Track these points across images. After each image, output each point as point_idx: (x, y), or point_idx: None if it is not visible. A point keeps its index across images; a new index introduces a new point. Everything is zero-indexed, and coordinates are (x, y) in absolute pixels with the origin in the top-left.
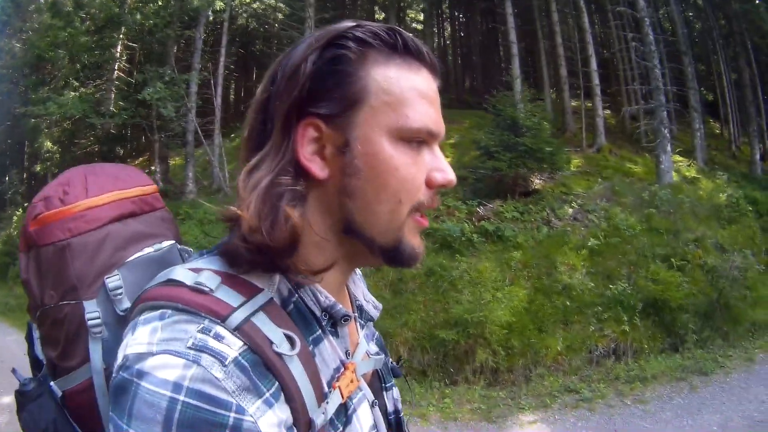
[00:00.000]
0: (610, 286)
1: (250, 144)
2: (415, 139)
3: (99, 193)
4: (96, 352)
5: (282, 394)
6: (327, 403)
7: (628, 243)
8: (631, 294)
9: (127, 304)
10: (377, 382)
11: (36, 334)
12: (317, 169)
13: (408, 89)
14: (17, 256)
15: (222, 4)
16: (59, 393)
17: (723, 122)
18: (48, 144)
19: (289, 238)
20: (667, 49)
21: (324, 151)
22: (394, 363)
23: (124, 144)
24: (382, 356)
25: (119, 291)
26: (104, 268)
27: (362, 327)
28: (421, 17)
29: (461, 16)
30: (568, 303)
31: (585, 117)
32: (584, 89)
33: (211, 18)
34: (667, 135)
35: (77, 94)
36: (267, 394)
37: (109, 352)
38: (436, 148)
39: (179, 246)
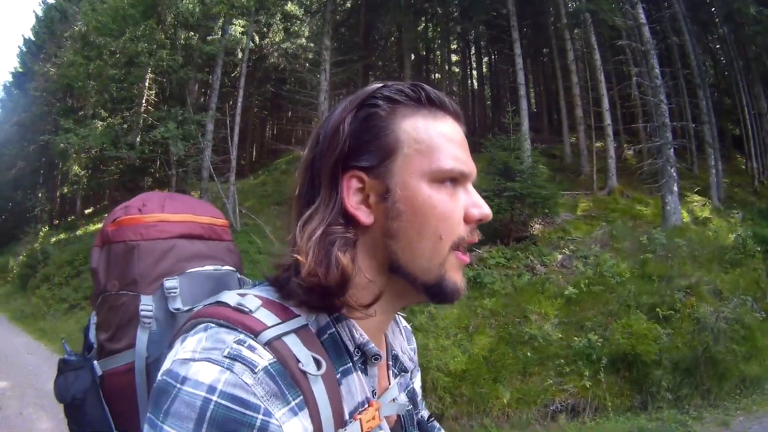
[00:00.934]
0: (575, 338)
1: (302, 200)
2: (448, 179)
3: (174, 212)
4: (142, 340)
5: (306, 407)
6: (345, 430)
7: (612, 291)
8: (600, 347)
9: (179, 304)
10: (399, 429)
11: (93, 320)
12: (363, 216)
13: (436, 135)
14: (38, 268)
15: (242, 43)
16: (99, 372)
17: (747, 157)
18: (76, 168)
19: (340, 279)
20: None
21: (368, 200)
22: (424, 416)
23: (145, 176)
24: (409, 405)
25: (174, 290)
26: (165, 272)
27: (395, 376)
28: (453, 58)
29: (494, 54)
30: (529, 354)
31: (596, 158)
32: (595, 130)
33: (240, 55)
34: (674, 174)
35: (100, 126)
36: (293, 403)
37: (154, 344)
38: (470, 186)
39: (239, 275)
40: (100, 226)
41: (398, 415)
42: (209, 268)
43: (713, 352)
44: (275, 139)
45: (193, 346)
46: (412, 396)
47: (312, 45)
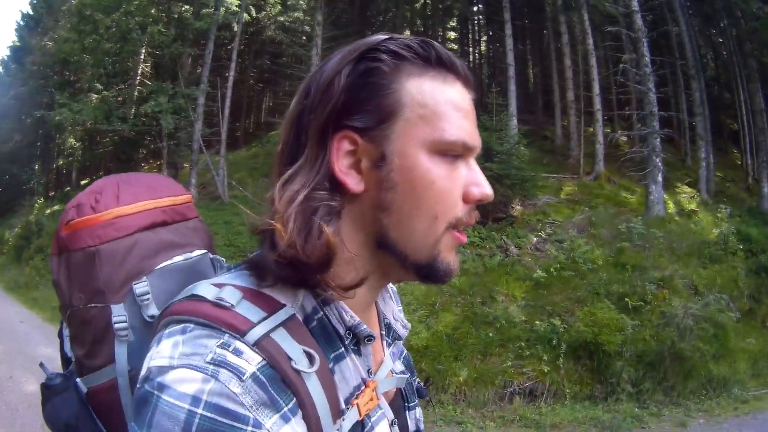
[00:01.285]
0: (537, 321)
1: (284, 158)
2: (451, 153)
3: (130, 201)
4: (121, 354)
5: (300, 409)
6: (343, 420)
7: (582, 277)
8: (563, 332)
9: (154, 310)
10: (400, 400)
11: (66, 332)
12: (353, 182)
13: (443, 102)
14: (32, 240)
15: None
16: (84, 389)
17: (742, 153)
18: (72, 141)
19: (323, 254)
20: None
21: (359, 165)
22: (421, 383)
23: (139, 148)
24: (406, 375)
25: (146, 297)
26: (132, 275)
27: (389, 345)
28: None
29: (490, 33)
30: (491, 334)
31: (586, 143)
32: (585, 114)
33: (235, 28)
34: (659, 164)
35: (95, 99)
36: (285, 409)
37: (135, 355)
38: (473, 162)
39: (211, 255)
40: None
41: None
42: (178, 259)
43: (680, 348)
44: (271, 113)
45: (170, 351)
46: (407, 363)
47: (309, 18)
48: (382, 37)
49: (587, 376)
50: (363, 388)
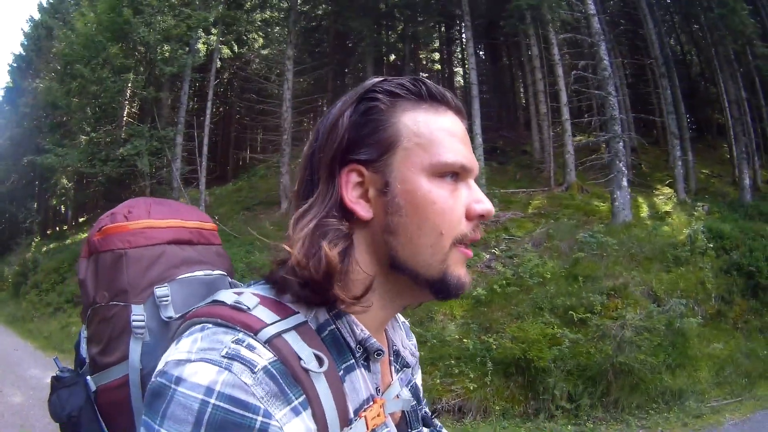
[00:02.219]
0: (464, 339)
1: (300, 195)
2: (449, 174)
3: (161, 218)
4: (135, 351)
5: (310, 406)
6: (350, 429)
7: (528, 293)
8: (494, 350)
9: (171, 312)
10: (404, 425)
11: (84, 334)
12: (362, 210)
13: (436, 130)
14: (29, 276)
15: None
16: (93, 388)
17: (729, 147)
18: (64, 181)
19: (326, 271)
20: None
21: (368, 194)
22: (428, 413)
23: (124, 188)
24: (413, 401)
25: (166, 298)
26: (156, 280)
27: (397, 372)
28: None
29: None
30: (422, 353)
31: (554, 154)
32: (554, 125)
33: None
34: (623, 169)
35: (84, 141)
36: (295, 402)
37: (148, 355)
38: (472, 182)
39: (230, 279)
40: (86, 235)
41: (403, 412)
42: (200, 273)
43: (622, 361)
44: (262, 147)
45: (189, 347)
46: (414, 391)
47: (280, 52)
48: (377, 79)
49: (518, 392)
50: (371, 403)
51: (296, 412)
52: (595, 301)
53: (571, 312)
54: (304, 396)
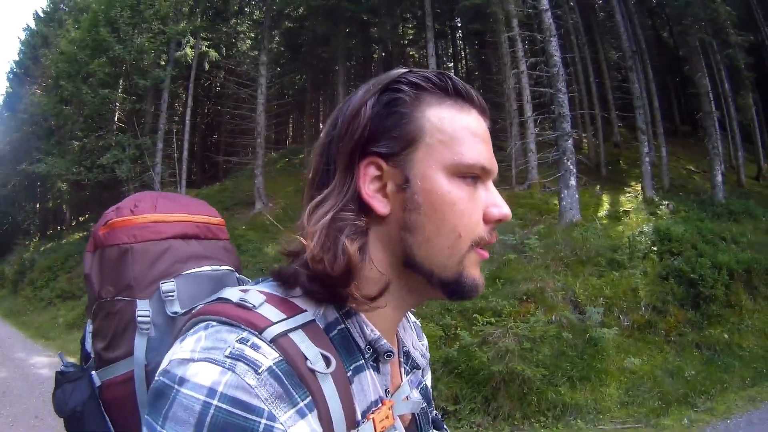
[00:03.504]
0: None
1: (315, 184)
2: (470, 175)
3: (167, 212)
4: (141, 347)
5: (316, 408)
6: (358, 431)
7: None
8: None
9: (176, 307)
10: (414, 428)
11: (89, 328)
12: (379, 205)
13: (460, 128)
14: (26, 274)
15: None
16: (98, 383)
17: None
18: (60, 185)
19: (345, 268)
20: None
21: (386, 189)
22: (438, 415)
23: (112, 190)
24: (423, 402)
25: (172, 294)
26: (161, 275)
27: (407, 373)
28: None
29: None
30: None
31: (516, 153)
32: (521, 124)
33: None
34: (571, 167)
35: (75, 148)
36: (301, 404)
37: (153, 351)
38: (491, 185)
39: (237, 275)
40: (81, 234)
41: (413, 414)
42: (207, 268)
43: (510, 369)
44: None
45: (192, 346)
46: (425, 393)
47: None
48: (402, 70)
49: None
50: (380, 405)
51: (302, 414)
52: (504, 305)
53: (476, 315)
54: (310, 397)
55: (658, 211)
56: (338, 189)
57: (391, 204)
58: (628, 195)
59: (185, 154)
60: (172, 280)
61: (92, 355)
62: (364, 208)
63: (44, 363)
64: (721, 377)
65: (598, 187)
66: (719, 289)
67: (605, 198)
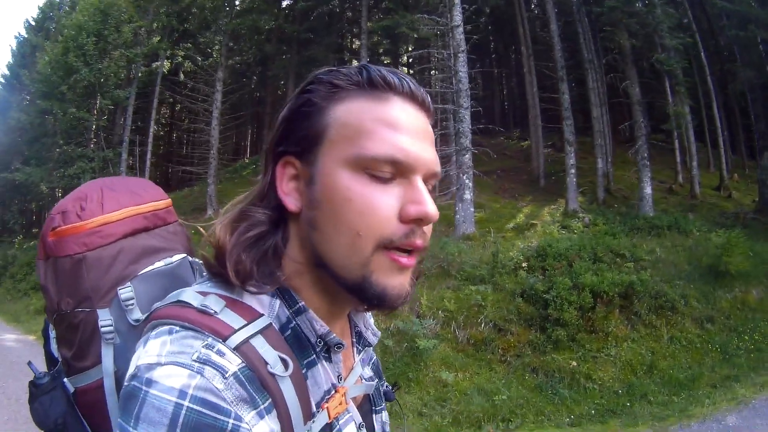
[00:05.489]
0: None
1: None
2: (379, 170)
3: (114, 208)
4: (108, 356)
5: (274, 409)
6: (313, 422)
7: None
8: None
9: (138, 314)
10: (367, 404)
11: (52, 333)
12: (290, 202)
13: (369, 120)
14: (8, 269)
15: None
16: (71, 389)
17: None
18: (42, 187)
19: (217, 252)
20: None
21: (300, 187)
22: (388, 387)
23: None
24: (375, 382)
25: (131, 302)
26: (117, 280)
27: (359, 352)
28: None
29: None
30: None
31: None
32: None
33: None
34: (467, 182)
35: (57, 154)
36: (261, 407)
37: (120, 357)
38: (416, 180)
39: (190, 259)
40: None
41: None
42: (160, 264)
43: None
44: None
45: (158, 350)
46: (376, 369)
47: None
48: (323, 70)
49: None
50: (333, 392)
51: (261, 415)
52: None
53: None
54: (270, 400)
55: (572, 224)
56: (260, 187)
57: (302, 201)
58: (552, 207)
59: (148, 164)
60: (129, 285)
61: (59, 359)
62: (281, 206)
63: (12, 339)
64: (541, 407)
65: (530, 198)
66: (569, 312)
67: (526, 210)
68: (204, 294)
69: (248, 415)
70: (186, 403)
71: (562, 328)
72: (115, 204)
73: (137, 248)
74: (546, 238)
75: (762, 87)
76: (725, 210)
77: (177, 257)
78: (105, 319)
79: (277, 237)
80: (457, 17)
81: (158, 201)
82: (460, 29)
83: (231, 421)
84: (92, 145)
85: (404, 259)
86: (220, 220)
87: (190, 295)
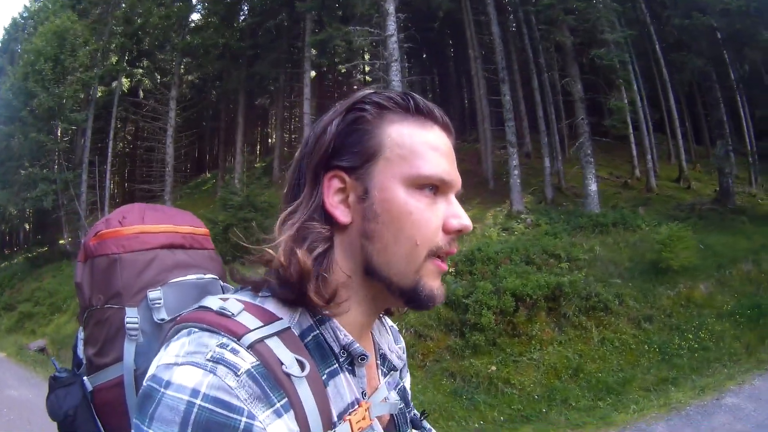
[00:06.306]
0: None
1: (287, 198)
2: (428, 187)
3: (154, 223)
4: (130, 352)
5: (292, 409)
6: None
7: None
8: None
9: (163, 314)
10: (393, 428)
11: (81, 335)
12: (341, 214)
13: (419, 143)
14: None
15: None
16: (90, 388)
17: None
18: (12, 210)
19: (298, 272)
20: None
21: (348, 200)
22: (417, 414)
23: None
24: (401, 403)
25: (159, 301)
26: (149, 284)
27: (385, 375)
28: None
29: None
30: None
31: None
32: None
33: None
34: None
35: (23, 176)
36: (277, 405)
37: (141, 356)
38: (452, 197)
39: (222, 283)
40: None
41: (391, 415)
42: (192, 277)
43: None
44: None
45: (177, 351)
46: (403, 394)
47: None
48: (368, 91)
49: None
50: (356, 407)
51: (278, 414)
52: None
53: None
54: (287, 399)
55: (514, 226)
56: (306, 201)
57: (352, 213)
58: (498, 209)
59: (107, 182)
60: (159, 288)
61: (84, 362)
62: (329, 218)
63: None
64: (452, 413)
65: (477, 200)
66: (486, 316)
67: (470, 213)
68: (224, 299)
69: (263, 414)
70: (198, 401)
71: (480, 332)
72: (155, 221)
73: (172, 260)
74: (480, 241)
75: (718, 76)
76: (682, 202)
77: (209, 276)
78: (132, 316)
79: (334, 251)
80: (391, 27)
81: (196, 227)
82: (394, 38)
83: (243, 419)
84: (56, 167)
85: (444, 265)
86: (280, 239)
87: (211, 300)
